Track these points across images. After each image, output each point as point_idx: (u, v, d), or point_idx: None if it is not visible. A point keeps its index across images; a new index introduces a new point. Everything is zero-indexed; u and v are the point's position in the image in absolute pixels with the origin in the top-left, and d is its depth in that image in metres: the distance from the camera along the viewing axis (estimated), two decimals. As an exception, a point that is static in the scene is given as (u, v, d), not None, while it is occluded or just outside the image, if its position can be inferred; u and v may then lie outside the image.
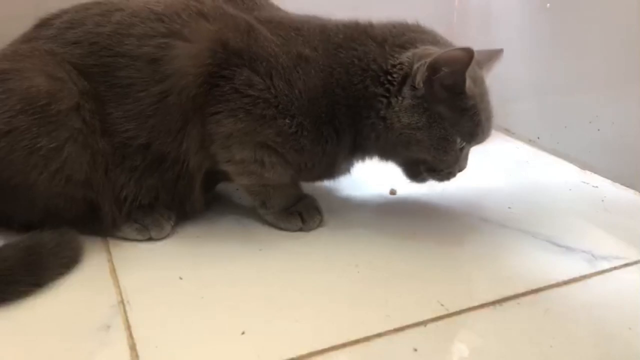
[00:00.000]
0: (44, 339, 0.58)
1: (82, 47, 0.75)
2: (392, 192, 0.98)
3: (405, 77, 0.76)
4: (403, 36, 0.80)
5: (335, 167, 0.85)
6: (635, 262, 0.76)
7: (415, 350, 0.58)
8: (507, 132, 1.34)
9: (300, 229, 0.82)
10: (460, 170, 0.83)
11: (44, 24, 0.79)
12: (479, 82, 0.80)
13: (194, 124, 0.76)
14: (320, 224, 0.84)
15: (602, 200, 0.98)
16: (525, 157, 1.21)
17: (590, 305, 0.67)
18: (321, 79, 0.77)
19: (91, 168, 0.73)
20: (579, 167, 1.13)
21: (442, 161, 0.79)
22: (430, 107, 0.76)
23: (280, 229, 0.83)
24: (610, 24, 1.04)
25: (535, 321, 0.63)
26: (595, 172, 1.09)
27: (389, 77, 0.77)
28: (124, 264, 0.73)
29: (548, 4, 1.18)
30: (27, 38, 0.78)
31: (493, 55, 0.89)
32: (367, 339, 0.59)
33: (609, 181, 1.06)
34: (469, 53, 0.71)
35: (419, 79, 0.74)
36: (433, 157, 0.79)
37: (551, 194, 1.02)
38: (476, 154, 1.20)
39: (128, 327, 0.60)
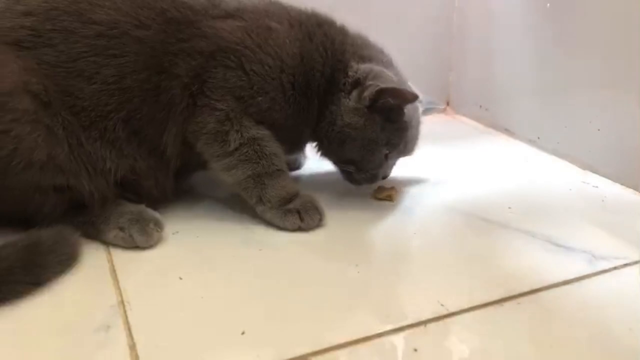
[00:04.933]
0: (44, 339, 0.58)
1: (36, 15, 0.74)
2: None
3: (356, 83, 0.86)
4: (367, 48, 0.91)
5: (299, 144, 0.94)
6: (635, 262, 0.76)
7: (415, 350, 0.58)
8: (507, 132, 1.34)
9: (299, 228, 0.82)
10: (384, 177, 0.95)
11: None
12: (416, 110, 0.94)
13: (176, 121, 0.80)
14: (319, 223, 0.84)
15: (602, 200, 0.98)
16: (525, 157, 1.21)
17: (590, 305, 0.67)
18: (297, 47, 0.84)
19: (51, 144, 0.71)
20: (579, 167, 1.13)
21: (369, 161, 0.89)
22: (368, 113, 0.85)
23: (279, 227, 0.83)
24: (611, 24, 1.04)
25: (535, 321, 0.63)
26: (595, 172, 1.09)
27: (347, 75, 0.87)
28: (124, 263, 0.73)
29: (548, 4, 1.18)
30: None
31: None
32: (367, 339, 0.59)
33: (609, 181, 1.05)
34: (414, 97, 0.85)
35: (367, 95, 0.84)
36: (362, 156, 0.88)
37: (551, 194, 1.02)
38: (476, 153, 1.21)
39: (128, 327, 0.60)
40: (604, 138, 1.07)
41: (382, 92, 0.83)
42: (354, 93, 0.86)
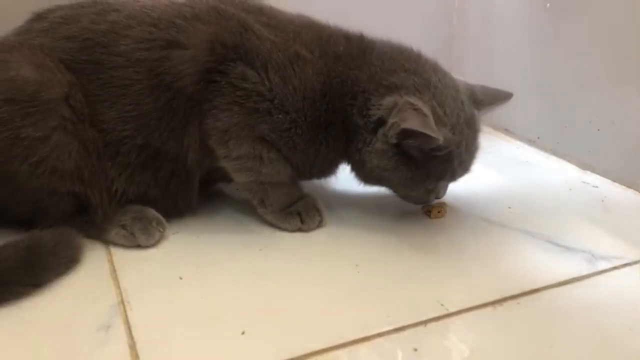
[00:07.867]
0: (44, 339, 0.58)
1: (75, 42, 0.75)
2: None
3: (380, 120, 0.76)
4: (393, 74, 0.78)
5: (330, 169, 0.88)
6: (635, 262, 0.76)
7: (415, 350, 0.58)
8: (507, 132, 1.34)
9: (300, 229, 0.82)
10: (437, 198, 0.87)
11: (37, 18, 0.79)
12: (463, 126, 0.78)
13: (193, 122, 0.77)
14: (320, 224, 0.84)
15: (602, 200, 0.98)
16: (525, 157, 1.21)
17: (590, 305, 0.67)
18: (320, 83, 0.78)
19: (81, 156, 0.73)
20: (579, 167, 1.13)
21: (411, 197, 0.85)
22: (399, 152, 0.76)
23: (280, 228, 0.83)
24: (610, 24, 1.04)
25: (535, 321, 0.63)
26: (595, 172, 1.09)
27: (368, 114, 0.77)
28: (124, 263, 0.73)
29: (548, 4, 1.18)
30: (19, 32, 0.79)
31: (500, 96, 0.90)
32: (367, 339, 0.59)
33: (609, 181, 1.06)
34: (437, 140, 0.71)
35: (392, 134, 0.74)
36: (402, 193, 0.85)
37: (551, 194, 1.02)
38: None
39: (128, 327, 0.60)
40: (603, 138, 1.07)
41: (405, 133, 0.72)
42: (380, 132, 0.76)
